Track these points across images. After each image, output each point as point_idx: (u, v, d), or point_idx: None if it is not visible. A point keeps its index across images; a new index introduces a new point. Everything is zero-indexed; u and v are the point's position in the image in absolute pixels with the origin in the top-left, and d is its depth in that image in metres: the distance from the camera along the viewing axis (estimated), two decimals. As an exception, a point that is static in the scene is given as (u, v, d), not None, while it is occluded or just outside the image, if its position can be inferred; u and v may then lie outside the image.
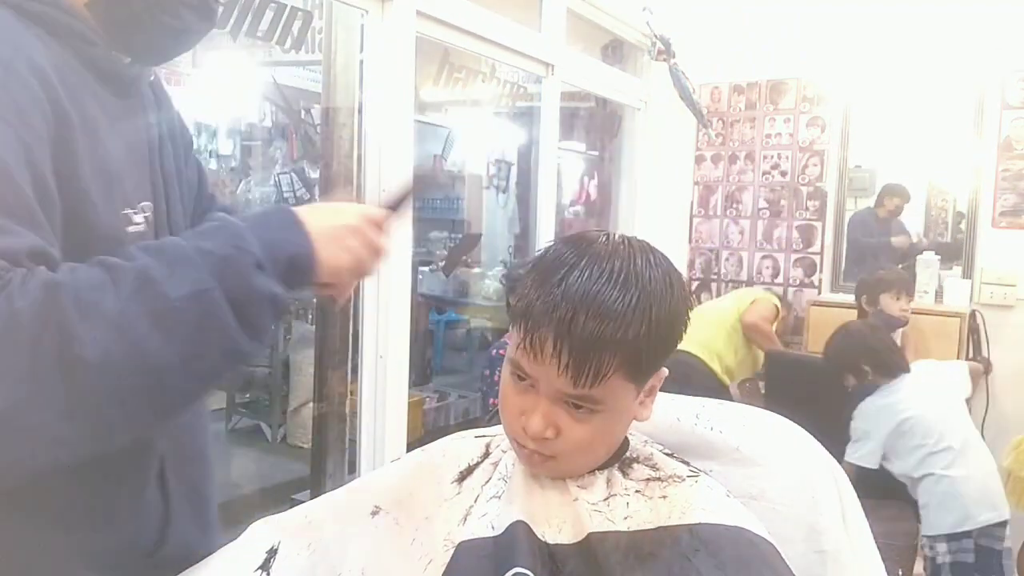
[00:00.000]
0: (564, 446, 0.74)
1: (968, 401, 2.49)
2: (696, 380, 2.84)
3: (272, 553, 0.81)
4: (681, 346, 0.80)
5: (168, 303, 0.57)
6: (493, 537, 0.75)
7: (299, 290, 0.72)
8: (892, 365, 2.41)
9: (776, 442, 0.87)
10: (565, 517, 0.76)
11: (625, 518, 0.75)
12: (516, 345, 0.74)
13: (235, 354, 0.64)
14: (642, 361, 0.73)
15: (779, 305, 3.22)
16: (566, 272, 0.71)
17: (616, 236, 0.77)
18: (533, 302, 0.72)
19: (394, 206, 0.90)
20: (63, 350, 0.52)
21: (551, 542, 0.74)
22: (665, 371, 0.80)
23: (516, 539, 0.73)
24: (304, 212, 0.74)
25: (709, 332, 3.06)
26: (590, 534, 0.74)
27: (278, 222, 0.72)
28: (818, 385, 2.51)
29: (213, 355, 0.61)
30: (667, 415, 0.90)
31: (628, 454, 0.83)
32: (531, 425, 0.73)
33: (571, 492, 0.78)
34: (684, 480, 0.79)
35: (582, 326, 0.69)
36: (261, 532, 0.83)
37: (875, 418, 2.38)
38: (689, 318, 0.77)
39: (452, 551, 0.76)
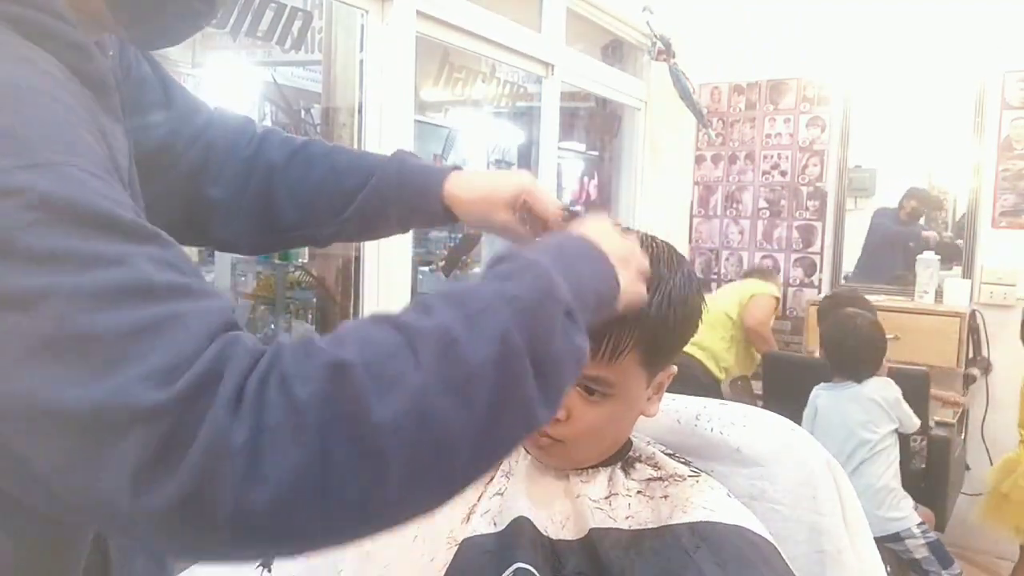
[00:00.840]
0: (573, 430, 0.75)
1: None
2: (692, 380, 2.88)
3: (273, 552, 0.81)
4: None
5: (469, 369, 0.46)
6: (496, 533, 0.76)
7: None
8: (846, 369, 2.38)
9: (777, 443, 0.88)
10: (568, 514, 0.77)
11: (627, 518, 0.76)
12: None
13: (529, 427, 0.51)
14: (657, 345, 0.74)
15: (778, 294, 3.18)
16: None
17: (641, 233, 0.78)
18: None
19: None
20: (357, 435, 0.43)
21: (554, 538, 0.75)
22: (674, 369, 0.81)
23: (519, 535, 0.73)
24: (592, 234, 0.62)
25: (706, 334, 3.07)
26: (592, 530, 0.74)
27: (577, 251, 0.59)
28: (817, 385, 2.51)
29: (506, 430, 0.49)
30: (668, 416, 0.90)
31: (631, 453, 0.83)
32: None
33: (574, 489, 0.78)
34: (685, 480, 0.79)
35: None
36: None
37: (807, 408, 2.44)
38: (702, 318, 0.79)
39: (455, 548, 0.76)
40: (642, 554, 0.72)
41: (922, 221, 3.55)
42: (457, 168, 0.87)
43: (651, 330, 0.72)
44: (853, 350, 2.36)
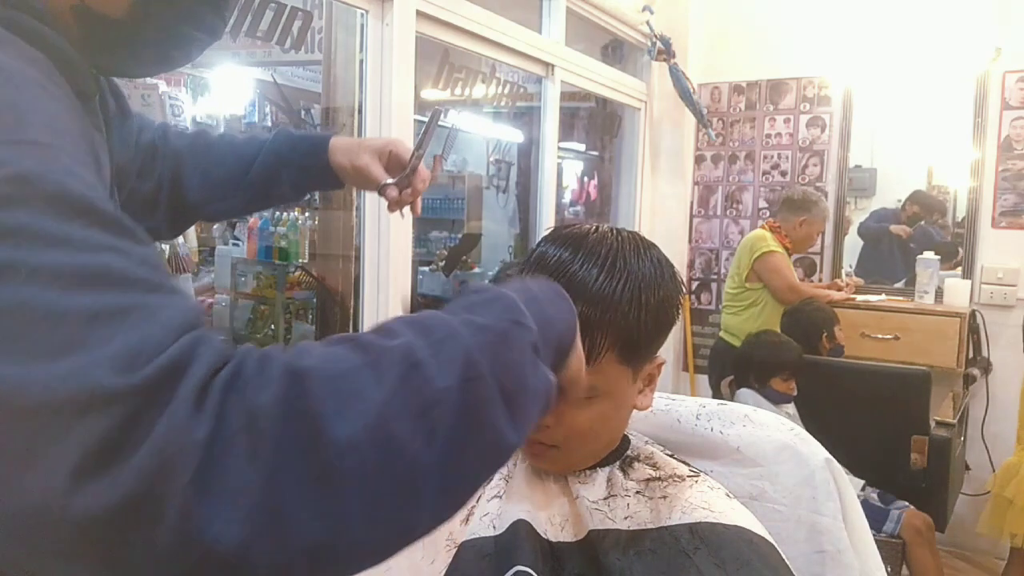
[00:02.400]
0: (565, 433, 0.75)
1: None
2: (723, 363, 2.99)
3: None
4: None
5: (433, 394, 0.44)
6: (494, 536, 0.75)
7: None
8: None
9: (776, 442, 0.88)
10: (567, 515, 0.77)
11: (625, 518, 0.76)
12: None
13: (499, 458, 0.50)
14: (634, 343, 0.74)
15: (776, 246, 3.08)
16: (555, 263, 0.73)
17: (604, 227, 0.77)
18: None
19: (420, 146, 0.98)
20: (312, 450, 0.40)
21: (554, 540, 0.75)
22: (663, 359, 0.80)
23: (518, 538, 0.73)
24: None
25: (728, 318, 3.20)
26: (591, 531, 0.74)
27: (544, 293, 0.59)
28: (816, 385, 2.51)
29: (474, 460, 0.47)
30: (668, 416, 0.90)
31: (629, 453, 0.83)
32: None
33: (572, 490, 0.78)
34: (684, 480, 0.79)
35: None
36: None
37: None
38: (682, 304, 0.78)
39: (454, 551, 0.76)
40: (641, 555, 0.72)
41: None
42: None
43: (624, 327, 0.71)
44: (771, 360, 2.52)
